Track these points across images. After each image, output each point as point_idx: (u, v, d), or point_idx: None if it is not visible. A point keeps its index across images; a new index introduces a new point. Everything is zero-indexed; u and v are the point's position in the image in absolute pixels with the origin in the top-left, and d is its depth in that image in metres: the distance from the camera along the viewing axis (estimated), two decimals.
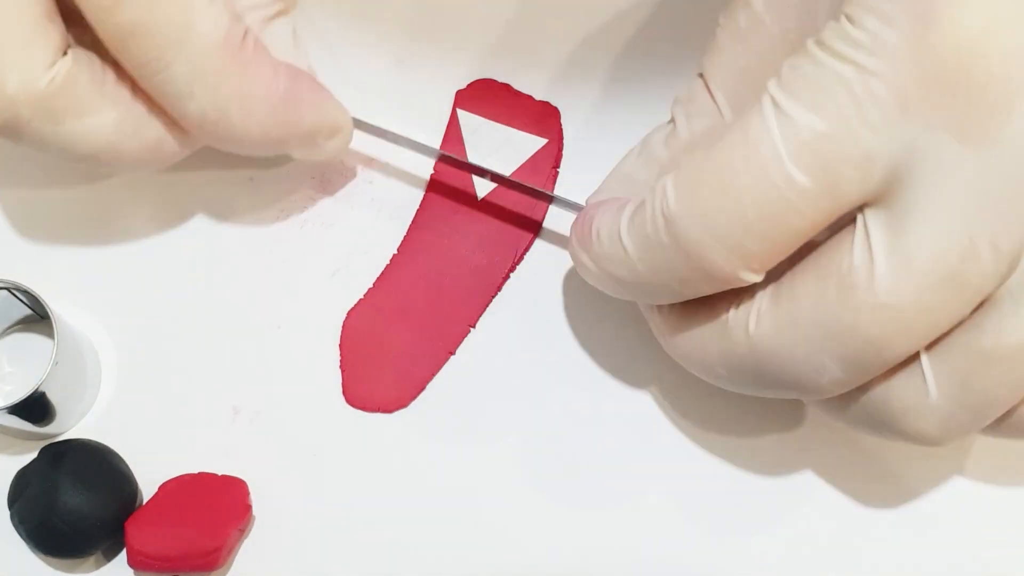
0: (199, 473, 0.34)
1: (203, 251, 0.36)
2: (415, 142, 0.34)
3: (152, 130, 0.32)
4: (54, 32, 0.30)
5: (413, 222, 0.36)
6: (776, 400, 0.32)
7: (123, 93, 0.31)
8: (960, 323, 0.26)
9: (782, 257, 0.27)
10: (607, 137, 0.37)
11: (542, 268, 0.36)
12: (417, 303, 0.35)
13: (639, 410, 0.35)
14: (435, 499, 0.34)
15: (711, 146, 0.27)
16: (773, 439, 0.35)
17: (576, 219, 0.31)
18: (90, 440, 0.34)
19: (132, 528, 0.32)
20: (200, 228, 0.36)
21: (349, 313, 0.35)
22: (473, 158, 0.37)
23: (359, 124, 0.34)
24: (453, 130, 0.37)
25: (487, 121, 0.37)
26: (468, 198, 0.36)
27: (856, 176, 0.25)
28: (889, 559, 0.34)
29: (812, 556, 0.34)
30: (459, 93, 0.37)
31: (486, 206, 0.36)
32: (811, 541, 0.34)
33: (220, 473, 0.34)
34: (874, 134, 0.25)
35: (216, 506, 0.33)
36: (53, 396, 0.33)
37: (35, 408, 0.32)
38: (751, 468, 0.35)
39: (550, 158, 0.37)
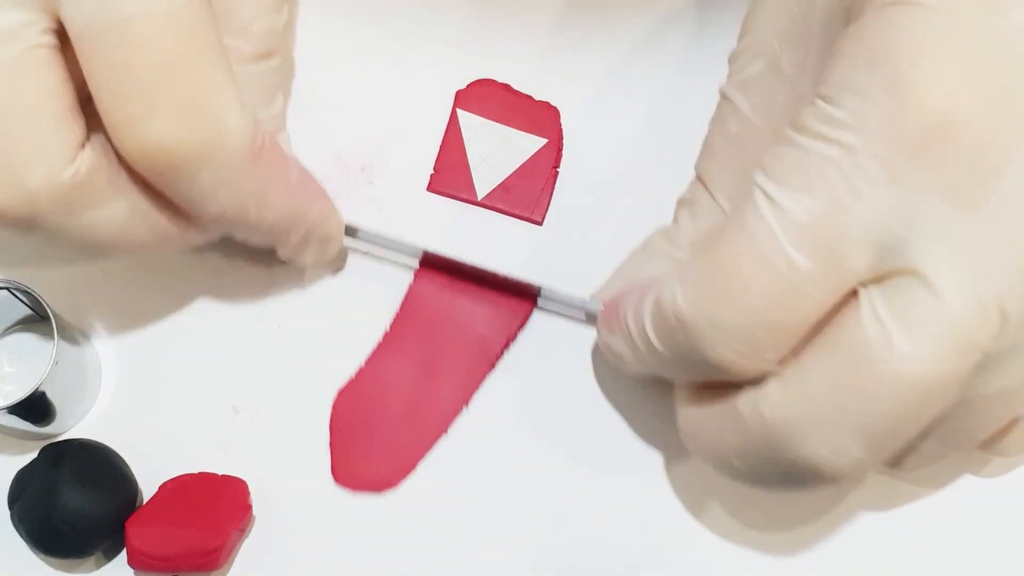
0: (199, 473, 0.34)
1: (203, 251, 0.36)
2: (401, 243, 0.35)
3: (163, 220, 0.31)
4: (76, 124, 0.29)
5: (404, 300, 0.35)
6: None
7: (138, 184, 0.30)
8: None
9: (795, 343, 0.26)
10: (607, 137, 0.37)
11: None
12: (409, 382, 0.35)
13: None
14: None
15: (711, 245, 0.27)
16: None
17: (603, 312, 0.32)
18: (90, 440, 0.34)
19: (132, 528, 0.32)
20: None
21: (339, 392, 0.35)
22: (472, 159, 0.37)
23: (350, 231, 0.35)
24: (453, 130, 0.37)
25: (487, 121, 0.37)
26: (460, 274, 0.35)
27: (856, 251, 0.25)
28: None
29: None
30: (459, 93, 0.37)
31: (482, 283, 0.35)
32: None
33: (220, 473, 0.34)
34: (869, 208, 0.25)
35: (216, 506, 0.33)
36: (53, 396, 0.33)
37: (35, 408, 0.32)
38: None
39: (550, 158, 0.37)
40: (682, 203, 0.33)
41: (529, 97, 0.37)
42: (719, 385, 0.28)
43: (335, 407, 0.35)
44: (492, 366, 0.35)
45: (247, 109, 0.29)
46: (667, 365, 0.29)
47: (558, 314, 0.35)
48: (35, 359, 0.35)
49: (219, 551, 0.32)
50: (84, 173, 0.29)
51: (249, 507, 0.34)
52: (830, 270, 0.25)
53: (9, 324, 0.35)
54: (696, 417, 0.29)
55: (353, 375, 0.35)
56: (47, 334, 0.35)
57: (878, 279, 0.26)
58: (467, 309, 0.35)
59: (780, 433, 0.27)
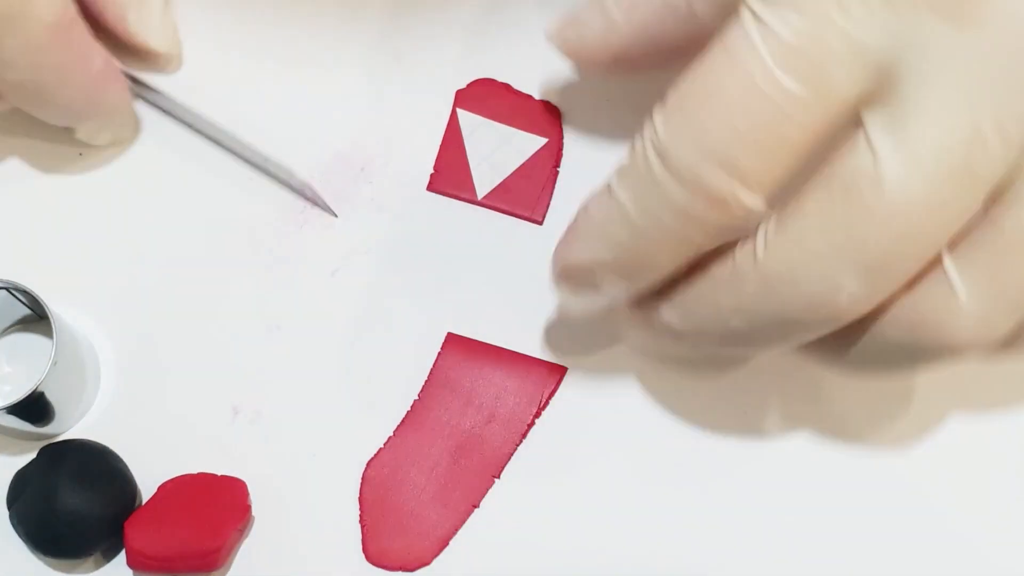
0: (199, 473, 0.34)
1: (203, 251, 0.36)
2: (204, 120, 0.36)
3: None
4: None
5: (432, 371, 0.35)
6: None
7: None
8: (977, 220, 0.25)
9: (781, 174, 0.25)
10: (607, 137, 0.37)
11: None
12: (438, 454, 0.34)
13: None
14: None
15: (693, 68, 0.26)
16: None
17: (565, 230, 0.30)
18: (90, 440, 0.33)
19: (132, 528, 0.32)
20: (200, 228, 0.36)
21: (368, 464, 0.34)
22: (473, 159, 0.37)
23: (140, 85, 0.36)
24: (453, 130, 0.37)
25: (487, 121, 0.37)
26: (487, 345, 0.35)
27: (845, 74, 0.24)
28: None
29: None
30: (459, 93, 0.37)
31: (507, 354, 0.35)
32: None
33: (220, 473, 0.34)
34: (858, 27, 0.24)
35: (216, 506, 0.33)
36: (52, 396, 0.33)
37: (34, 408, 0.32)
38: None
39: (550, 158, 0.37)
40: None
41: (529, 97, 0.37)
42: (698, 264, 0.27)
43: (365, 478, 0.34)
44: (523, 436, 0.35)
45: None
46: (638, 234, 0.27)
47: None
48: (34, 359, 0.35)
49: (218, 551, 0.32)
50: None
51: (249, 507, 0.33)
52: (817, 95, 0.25)
53: (8, 324, 0.35)
54: (684, 299, 0.28)
55: (381, 447, 0.34)
56: (46, 334, 0.35)
57: (871, 107, 0.25)
58: (495, 380, 0.35)
59: (776, 275, 0.26)
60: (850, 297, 0.26)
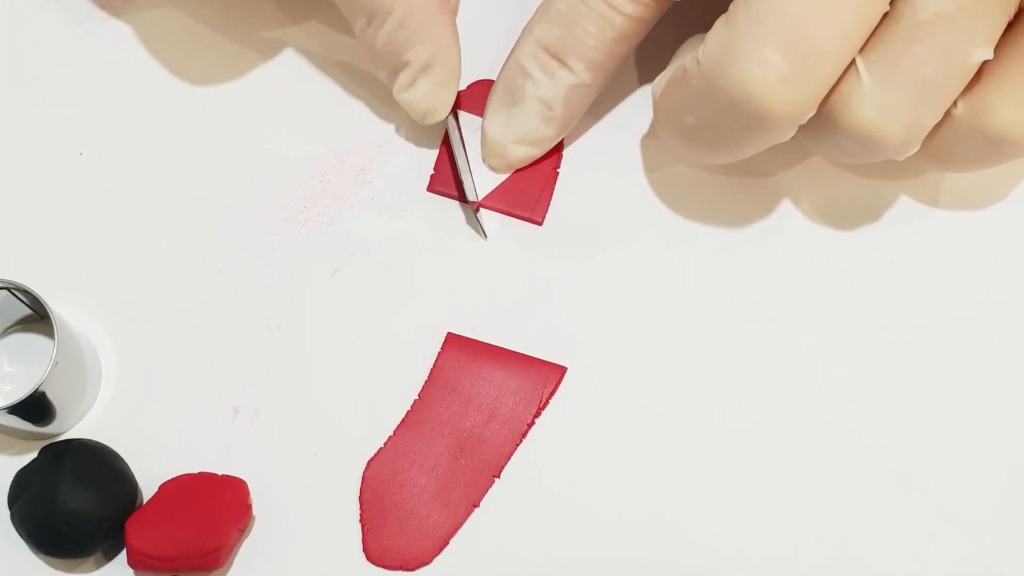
0: (199, 473, 0.34)
1: (203, 251, 0.36)
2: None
3: None
4: None
5: (432, 371, 0.35)
6: None
7: None
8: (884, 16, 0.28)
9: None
10: (607, 137, 0.37)
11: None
12: (438, 454, 0.34)
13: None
14: None
15: None
16: None
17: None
18: (90, 440, 0.34)
19: (132, 528, 0.32)
20: (200, 228, 0.36)
21: (368, 463, 0.34)
22: (473, 159, 0.37)
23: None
24: (453, 130, 0.37)
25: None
26: (487, 345, 0.35)
27: None
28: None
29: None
30: (459, 93, 0.37)
31: (507, 354, 0.35)
32: None
33: (220, 473, 0.34)
34: None
35: (216, 506, 0.33)
36: (53, 396, 0.33)
37: (35, 408, 0.32)
38: None
39: (550, 158, 0.37)
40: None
41: None
42: None
43: (365, 477, 0.34)
44: (523, 436, 0.35)
45: None
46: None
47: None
48: (35, 359, 0.35)
49: (219, 551, 0.32)
50: None
51: (249, 507, 0.34)
52: None
53: (9, 324, 0.35)
54: (660, 98, 0.32)
55: (381, 447, 0.34)
56: (47, 334, 0.35)
57: None
58: (495, 380, 0.35)
59: (711, 65, 0.29)
60: (777, 75, 0.28)
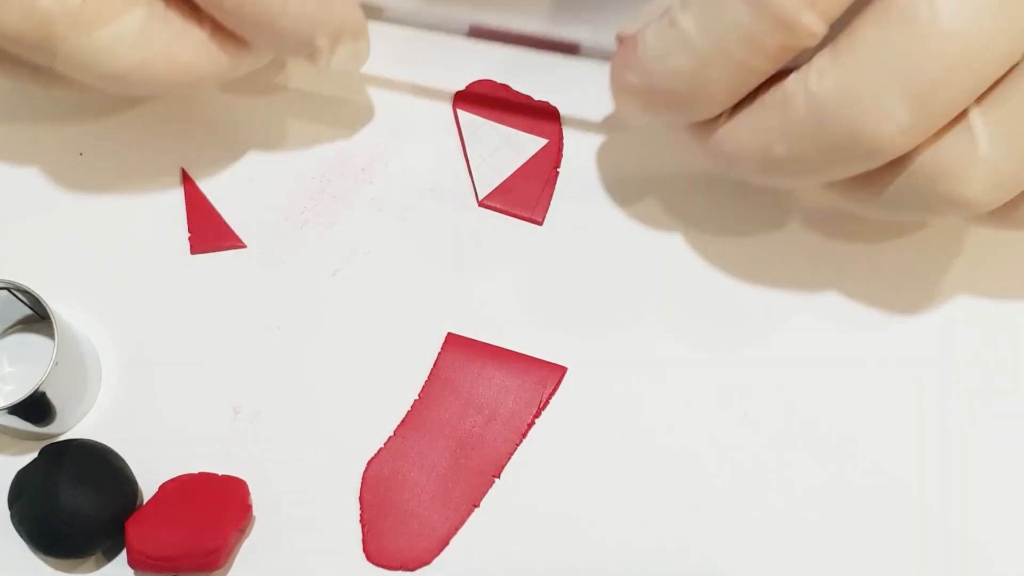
0: (199, 473, 0.34)
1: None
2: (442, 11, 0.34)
3: (185, 45, 0.31)
4: None
5: (432, 371, 0.35)
6: None
7: (156, 3, 0.31)
8: (1006, 73, 0.27)
9: (843, 2, 0.27)
10: (607, 137, 0.37)
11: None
12: (438, 454, 0.34)
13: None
14: None
15: None
16: None
17: (619, 46, 0.30)
18: (90, 440, 0.34)
19: (132, 528, 0.32)
20: None
21: (368, 464, 0.34)
22: (473, 159, 0.37)
23: (377, 13, 0.34)
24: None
25: (487, 121, 0.37)
26: (487, 345, 0.35)
27: None
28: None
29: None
30: (459, 93, 0.37)
31: (507, 354, 0.35)
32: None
33: (220, 473, 0.34)
34: None
35: (216, 506, 0.33)
36: (53, 396, 0.33)
37: (35, 408, 0.32)
38: None
39: (550, 158, 0.37)
40: None
41: (529, 97, 0.37)
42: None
43: (365, 477, 0.34)
44: (523, 436, 0.35)
45: None
46: (700, 59, 0.28)
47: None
48: (35, 359, 0.35)
49: (219, 551, 0.32)
50: None
51: (249, 507, 0.34)
52: None
53: (9, 324, 0.35)
54: (733, 124, 0.29)
55: (381, 447, 0.34)
56: (47, 334, 0.35)
57: None
58: (495, 380, 0.35)
59: (828, 102, 0.27)
60: (898, 126, 0.27)
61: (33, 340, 0.35)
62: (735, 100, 0.29)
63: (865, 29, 0.27)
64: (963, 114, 0.27)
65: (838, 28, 0.27)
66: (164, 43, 0.31)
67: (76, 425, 0.35)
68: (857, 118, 0.27)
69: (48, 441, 0.34)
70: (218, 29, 0.31)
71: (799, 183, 0.30)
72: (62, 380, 0.33)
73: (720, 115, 0.30)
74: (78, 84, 0.32)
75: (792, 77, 0.28)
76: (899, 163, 0.28)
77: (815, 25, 0.27)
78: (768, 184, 0.32)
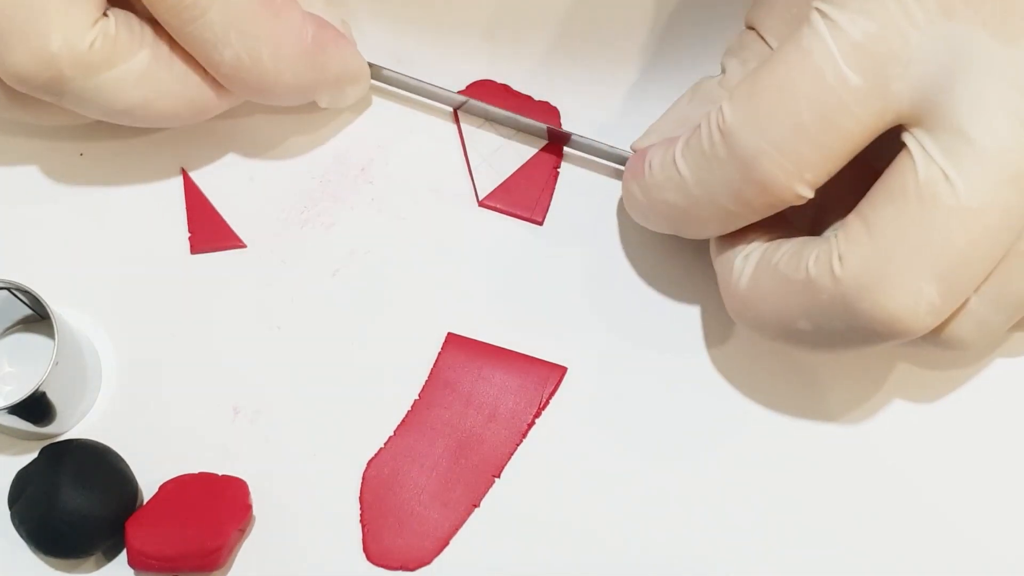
0: (199, 473, 0.34)
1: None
2: (434, 87, 0.36)
3: (187, 85, 0.33)
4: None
5: (432, 371, 0.35)
6: None
7: (160, 46, 0.32)
8: None
9: (832, 168, 0.28)
10: (607, 138, 0.37)
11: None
12: (438, 454, 0.34)
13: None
14: None
15: (765, 62, 0.28)
16: None
17: (631, 157, 0.32)
18: (90, 440, 0.34)
19: (132, 528, 0.32)
20: None
21: (368, 464, 0.34)
22: (473, 159, 0.37)
23: (376, 71, 0.36)
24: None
25: (487, 121, 0.37)
26: (487, 345, 0.35)
27: (904, 75, 0.27)
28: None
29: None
30: (459, 93, 0.37)
31: (507, 354, 0.35)
32: None
33: (220, 473, 0.34)
34: (920, 33, 0.27)
35: (216, 506, 0.33)
36: (53, 396, 0.33)
37: (35, 408, 0.32)
38: None
39: (550, 158, 0.37)
40: (730, 52, 0.33)
41: (529, 97, 0.37)
42: (748, 234, 0.30)
43: (365, 477, 0.34)
44: (523, 436, 0.35)
45: None
46: (692, 201, 0.30)
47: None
48: (35, 359, 0.35)
49: (219, 551, 0.32)
50: (103, 39, 0.31)
51: (249, 507, 0.34)
52: (877, 91, 0.27)
53: (9, 324, 0.35)
54: (753, 285, 0.30)
55: (382, 447, 0.34)
56: (47, 334, 0.35)
57: (922, 124, 0.27)
58: (495, 380, 0.35)
59: (854, 287, 0.27)
60: (929, 306, 0.27)
61: (33, 340, 0.35)
62: (727, 232, 0.31)
63: (883, 210, 0.27)
64: None
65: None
66: (167, 83, 0.32)
67: (76, 425, 0.35)
68: (889, 301, 0.27)
69: (49, 441, 0.34)
70: None
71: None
72: (62, 380, 0.33)
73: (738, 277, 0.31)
74: (80, 117, 0.33)
75: (812, 259, 0.28)
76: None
77: (803, 192, 0.28)
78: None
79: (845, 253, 0.27)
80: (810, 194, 0.28)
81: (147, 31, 0.32)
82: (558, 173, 0.37)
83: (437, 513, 0.34)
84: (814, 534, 0.34)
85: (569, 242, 0.36)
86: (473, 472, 0.34)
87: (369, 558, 0.34)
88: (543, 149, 0.37)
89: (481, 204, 0.36)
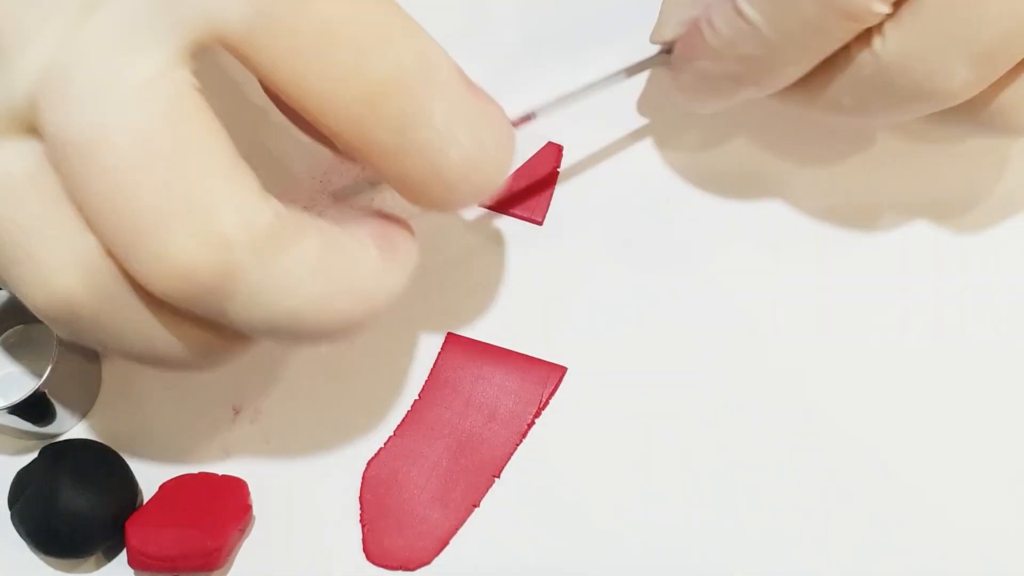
0: (199, 473, 0.34)
1: None
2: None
3: (360, 272, 0.26)
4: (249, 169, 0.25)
5: (432, 371, 0.35)
6: None
7: (324, 225, 0.26)
8: None
9: None
10: (607, 137, 0.37)
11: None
12: (438, 454, 0.34)
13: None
14: None
15: None
16: None
17: (680, 40, 0.31)
18: (90, 440, 0.34)
19: (132, 528, 0.32)
20: None
21: (368, 464, 0.34)
22: None
23: None
24: None
25: None
26: (487, 345, 0.35)
27: None
28: None
29: None
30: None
31: (507, 354, 0.35)
32: None
33: (220, 473, 0.34)
34: None
35: (216, 506, 0.33)
36: (53, 396, 0.33)
37: (35, 408, 0.32)
38: None
39: (550, 158, 0.37)
40: None
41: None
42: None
43: (365, 477, 0.34)
44: (523, 436, 0.35)
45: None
46: (768, 46, 0.29)
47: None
48: (35, 359, 0.35)
49: (219, 551, 0.32)
50: (275, 216, 0.24)
51: (249, 507, 0.34)
52: None
53: (10, 324, 0.35)
54: (809, 82, 0.30)
55: (381, 447, 0.34)
56: (47, 334, 0.35)
57: None
58: (495, 380, 0.35)
59: (894, 64, 0.28)
60: (962, 82, 0.28)
61: (33, 340, 0.35)
62: (804, 72, 0.30)
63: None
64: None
65: None
66: (340, 271, 0.25)
67: (76, 425, 0.35)
68: (923, 79, 0.28)
69: (48, 441, 0.34)
70: (384, 242, 0.27)
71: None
72: (62, 380, 0.33)
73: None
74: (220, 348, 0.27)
75: (856, 43, 0.29)
76: (967, 105, 0.29)
77: (882, 9, 0.27)
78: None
79: (889, 33, 0.28)
80: (887, 9, 0.27)
81: (303, 210, 0.25)
82: (558, 173, 0.37)
83: (437, 513, 0.34)
84: (815, 534, 0.34)
85: (569, 242, 0.36)
86: (473, 472, 0.34)
87: (369, 558, 0.34)
88: (543, 149, 0.37)
89: (481, 204, 0.36)
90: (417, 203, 0.27)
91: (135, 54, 0.23)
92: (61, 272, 0.24)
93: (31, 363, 0.35)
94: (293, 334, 0.25)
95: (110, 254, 0.24)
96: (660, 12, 0.32)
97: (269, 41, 0.24)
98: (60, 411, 0.34)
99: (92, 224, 0.24)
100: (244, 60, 0.24)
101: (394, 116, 0.25)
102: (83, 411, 0.35)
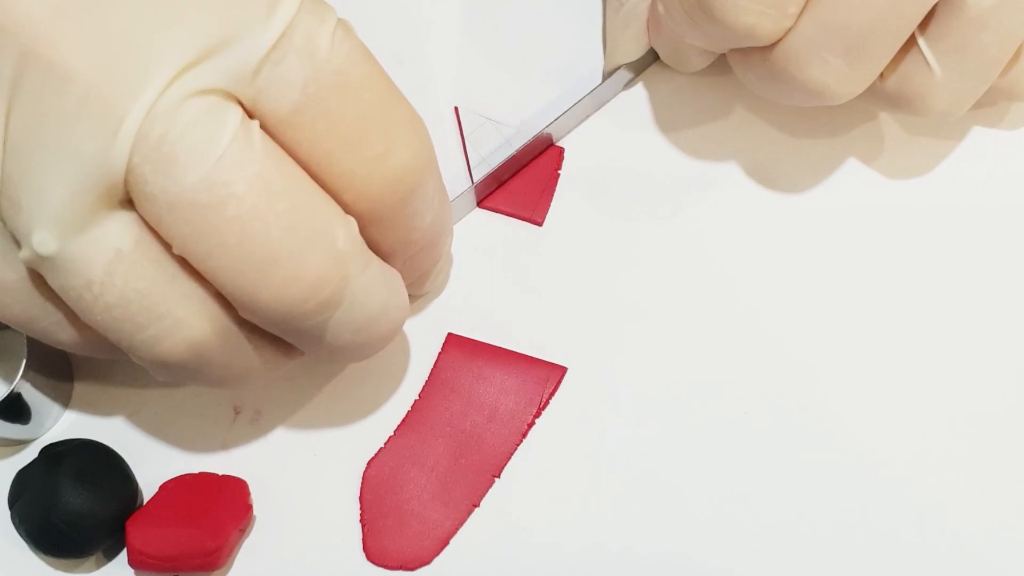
0: (199, 473, 0.34)
1: None
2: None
3: (399, 277, 0.30)
4: None
5: (432, 371, 0.35)
6: None
7: (372, 260, 0.28)
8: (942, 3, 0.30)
9: None
10: (607, 137, 0.37)
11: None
12: (438, 454, 0.34)
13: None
14: None
15: None
16: None
17: (650, 19, 0.34)
18: (90, 440, 0.33)
19: (133, 528, 0.32)
20: None
21: (368, 464, 0.34)
22: (473, 159, 0.37)
23: None
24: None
25: (487, 121, 0.37)
26: (487, 345, 0.35)
27: None
28: None
29: None
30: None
31: (507, 354, 0.35)
32: None
33: (220, 473, 0.34)
34: None
35: (216, 506, 0.33)
36: (28, 398, 0.32)
37: (11, 410, 0.32)
38: None
39: (550, 159, 0.37)
40: None
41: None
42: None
43: (365, 477, 0.34)
44: (523, 436, 0.35)
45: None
46: (706, 40, 0.32)
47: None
48: (2, 365, 0.34)
49: (219, 551, 0.32)
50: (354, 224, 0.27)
51: (249, 507, 0.34)
52: None
53: None
54: (741, 69, 0.33)
55: (382, 447, 0.34)
56: (14, 337, 0.34)
57: None
58: (495, 380, 0.35)
59: (783, 62, 0.31)
60: (839, 76, 0.30)
61: (4, 340, 0.35)
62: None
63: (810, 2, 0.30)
64: (913, 43, 0.31)
65: None
66: (394, 280, 0.29)
67: (53, 427, 0.34)
68: (802, 73, 0.30)
69: (48, 441, 0.34)
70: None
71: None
72: (36, 381, 0.33)
73: None
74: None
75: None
76: (872, 90, 0.32)
77: (790, 23, 0.30)
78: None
79: (787, 38, 0.30)
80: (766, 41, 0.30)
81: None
82: (558, 174, 0.37)
83: (437, 513, 0.34)
84: (816, 535, 0.34)
85: (569, 242, 0.36)
86: (473, 472, 0.34)
87: (369, 558, 0.34)
88: (543, 150, 0.37)
89: (481, 204, 0.37)
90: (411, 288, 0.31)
91: (221, 112, 0.25)
92: (189, 324, 0.26)
93: (3, 365, 0.34)
94: (363, 343, 0.29)
95: (218, 296, 0.27)
96: (609, 43, 0.34)
97: (313, 123, 0.26)
98: (35, 412, 0.33)
99: (210, 271, 0.25)
100: (276, 134, 0.26)
101: (408, 195, 0.27)
102: (58, 412, 0.35)
